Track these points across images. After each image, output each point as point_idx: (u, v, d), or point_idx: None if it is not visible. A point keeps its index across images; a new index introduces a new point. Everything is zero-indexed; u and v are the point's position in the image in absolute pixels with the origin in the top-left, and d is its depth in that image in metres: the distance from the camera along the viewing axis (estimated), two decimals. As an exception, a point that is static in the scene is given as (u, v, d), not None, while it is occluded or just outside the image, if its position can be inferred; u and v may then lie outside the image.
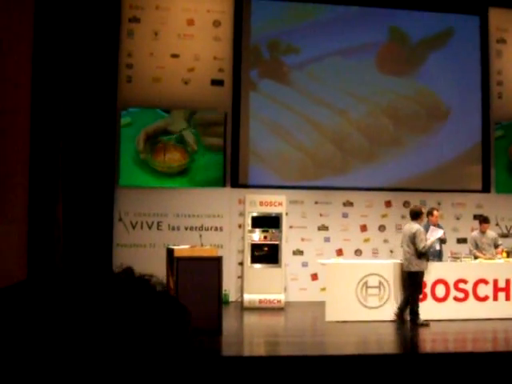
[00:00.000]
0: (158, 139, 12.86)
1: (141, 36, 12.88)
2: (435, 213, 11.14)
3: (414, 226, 10.38)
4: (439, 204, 13.52)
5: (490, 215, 12.24)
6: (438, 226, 11.08)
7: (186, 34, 13.05)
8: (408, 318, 10.35)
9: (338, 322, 10.15)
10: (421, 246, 10.14)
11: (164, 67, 12.93)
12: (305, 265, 13.18)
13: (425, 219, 10.90)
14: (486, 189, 14.05)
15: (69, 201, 11.53)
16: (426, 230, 10.91)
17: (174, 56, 12.97)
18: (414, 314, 10.25)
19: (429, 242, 10.33)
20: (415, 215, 10.58)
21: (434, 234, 10.50)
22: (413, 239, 10.25)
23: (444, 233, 11.13)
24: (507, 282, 10.98)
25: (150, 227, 12.72)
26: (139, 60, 12.85)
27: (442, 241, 11.24)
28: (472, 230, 12.68)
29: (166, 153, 12.89)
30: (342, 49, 13.55)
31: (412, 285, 10.34)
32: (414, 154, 13.71)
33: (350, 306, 10.48)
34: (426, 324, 10.07)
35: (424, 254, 10.29)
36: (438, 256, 11.15)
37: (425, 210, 10.95)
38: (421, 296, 10.42)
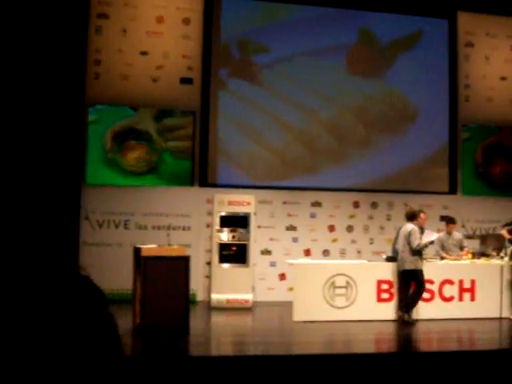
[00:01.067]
0: (125, 138, 12.73)
1: (109, 32, 12.74)
2: (422, 215, 11.28)
3: (410, 226, 10.60)
4: (406, 205, 13.60)
5: (456, 217, 12.35)
6: (422, 229, 11.21)
7: (155, 32, 12.94)
8: (399, 313, 10.54)
9: (305, 321, 10.16)
10: (415, 243, 10.33)
11: (132, 64, 12.81)
12: (273, 265, 13.17)
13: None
14: (452, 190, 14.20)
15: (34, 199, 11.36)
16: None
17: (143, 53, 12.87)
18: (407, 309, 10.43)
19: (423, 242, 10.50)
20: (411, 217, 10.79)
21: (429, 236, 10.67)
22: (408, 238, 10.45)
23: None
24: (472, 282, 11.10)
25: (117, 226, 12.59)
26: (107, 56, 12.72)
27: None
28: (439, 231, 12.78)
29: (133, 152, 12.77)
30: (312, 49, 13.56)
31: (407, 283, 10.51)
32: (382, 155, 13.79)
33: (317, 305, 10.50)
34: (412, 322, 10.27)
35: (418, 252, 10.47)
36: None
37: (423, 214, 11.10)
38: (422, 294, 10.56)
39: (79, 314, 0.93)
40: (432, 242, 11.26)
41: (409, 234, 10.46)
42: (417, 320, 10.39)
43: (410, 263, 10.43)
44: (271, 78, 13.52)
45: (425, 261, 11.07)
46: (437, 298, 10.95)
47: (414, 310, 10.61)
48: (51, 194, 11.70)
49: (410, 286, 10.52)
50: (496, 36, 14.54)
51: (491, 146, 14.53)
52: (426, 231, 10.77)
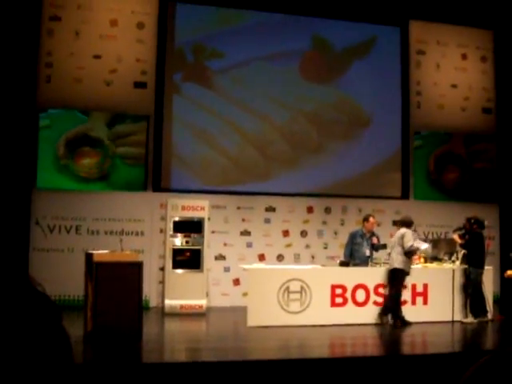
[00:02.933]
0: (78, 145, 12.52)
1: (61, 35, 12.55)
2: (371, 219, 11.46)
3: (403, 230, 10.90)
4: (359, 210, 13.74)
5: (408, 221, 12.49)
6: (373, 234, 11.35)
7: (108, 35, 12.80)
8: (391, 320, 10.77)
9: (259, 326, 10.14)
10: (408, 244, 10.63)
11: (85, 68, 12.63)
12: (227, 270, 13.12)
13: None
14: (404, 195, 14.38)
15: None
16: (361, 236, 11.25)
17: (96, 57, 12.70)
18: (397, 314, 10.66)
19: (415, 245, 10.76)
20: (407, 224, 11.09)
21: (420, 245, 10.91)
22: (401, 240, 10.71)
23: (378, 239, 11.48)
24: (425, 286, 11.24)
25: (68, 231, 12.38)
26: (59, 59, 12.52)
27: (374, 247, 11.48)
28: (391, 235, 12.92)
29: (86, 158, 12.58)
30: (267, 55, 13.60)
31: (395, 281, 10.68)
32: (335, 160, 13.89)
33: (271, 310, 10.49)
34: (409, 323, 10.58)
35: (409, 254, 10.76)
36: (366, 261, 11.34)
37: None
38: (400, 297, 10.78)
39: (32, 328, 0.92)
40: (375, 247, 11.48)
41: (402, 236, 10.73)
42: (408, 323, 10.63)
43: (401, 263, 10.67)
44: (225, 83, 13.51)
45: (378, 264, 11.24)
46: (390, 302, 11.05)
47: (369, 314, 10.70)
48: (0, 198, 11.45)
49: (396, 286, 10.72)
50: (447, 44, 14.81)
51: (443, 154, 14.76)
52: (417, 240, 11.03)
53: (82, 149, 12.56)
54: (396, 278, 10.73)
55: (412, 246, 10.65)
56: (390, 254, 11.04)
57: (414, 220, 11.34)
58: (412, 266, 11.25)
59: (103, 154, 12.65)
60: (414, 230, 12.62)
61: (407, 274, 10.79)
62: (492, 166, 14.95)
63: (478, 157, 14.91)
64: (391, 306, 10.72)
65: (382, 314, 10.73)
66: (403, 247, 10.67)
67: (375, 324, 10.67)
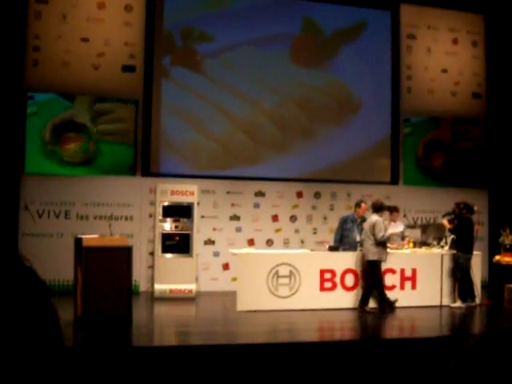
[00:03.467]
0: (64, 130, 12.40)
1: (49, 18, 12.40)
2: (363, 205, 11.45)
3: (375, 217, 10.73)
4: (349, 195, 13.76)
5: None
6: (364, 219, 11.30)
7: (96, 18, 12.66)
8: (374, 305, 10.75)
9: (249, 311, 10.16)
10: (379, 235, 10.47)
11: (73, 51, 12.50)
12: (216, 254, 13.11)
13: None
14: (394, 181, 14.38)
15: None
16: (352, 222, 11.23)
17: (84, 40, 12.57)
18: (365, 301, 10.64)
19: (387, 233, 10.67)
20: (377, 208, 10.91)
21: (395, 228, 10.82)
22: (372, 230, 10.55)
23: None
24: (413, 271, 11.28)
25: (57, 216, 12.31)
26: (47, 43, 12.38)
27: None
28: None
29: (71, 143, 12.46)
30: (256, 38, 13.52)
31: (371, 274, 10.66)
32: (325, 145, 13.86)
33: (261, 295, 10.51)
34: (394, 301, 10.64)
35: (383, 244, 10.62)
36: (355, 246, 11.31)
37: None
38: (383, 283, 10.79)
39: (20, 305, 0.90)
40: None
41: (373, 226, 10.59)
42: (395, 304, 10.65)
43: (373, 254, 10.57)
44: (215, 67, 13.42)
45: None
46: (379, 287, 11.09)
47: (358, 299, 10.74)
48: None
49: (374, 277, 10.68)
50: (438, 29, 14.77)
51: (432, 139, 14.74)
52: (392, 223, 10.98)
53: (67, 134, 12.44)
54: (372, 270, 10.67)
55: (383, 236, 10.54)
56: (362, 241, 10.96)
57: (398, 205, 11.27)
58: (390, 251, 11.26)
59: (89, 139, 12.54)
60: (404, 216, 12.68)
61: (383, 261, 10.75)
62: (481, 151, 14.96)
63: (467, 142, 14.91)
64: (369, 296, 10.70)
65: (361, 306, 10.67)
66: (375, 237, 10.56)
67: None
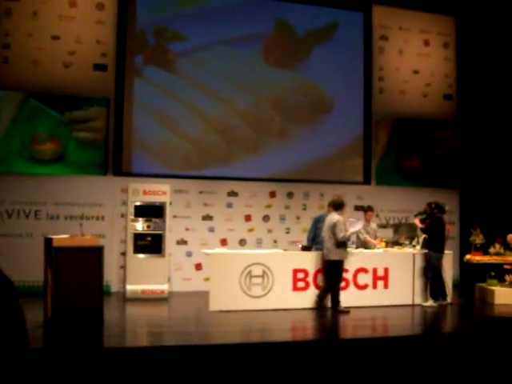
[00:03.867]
0: (34, 129, 12.24)
1: (19, 15, 12.25)
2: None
3: (335, 217, 10.63)
4: (321, 195, 13.78)
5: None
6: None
7: (67, 16, 12.53)
8: (329, 305, 10.67)
9: (221, 311, 10.13)
10: (340, 235, 10.41)
11: (44, 49, 12.37)
12: (189, 254, 13.06)
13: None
14: (366, 181, 14.45)
15: None
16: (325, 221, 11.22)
17: (55, 38, 12.44)
18: (335, 301, 10.57)
19: (348, 233, 10.61)
20: (337, 206, 10.81)
21: (354, 225, 10.74)
22: (333, 229, 10.46)
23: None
24: (385, 270, 11.34)
25: (27, 216, 12.16)
26: (17, 40, 12.23)
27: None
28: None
29: (42, 143, 12.30)
30: (229, 38, 13.49)
31: (332, 273, 10.58)
32: (298, 145, 13.87)
33: (233, 295, 10.48)
34: (347, 311, 10.38)
35: (343, 244, 10.57)
36: None
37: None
38: (341, 284, 10.73)
39: None
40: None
41: (334, 226, 10.52)
42: (349, 309, 10.51)
43: (335, 254, 10.54)
44: (188, 66, 13.36)
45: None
46: (351, 287, 11.13)
47: (330, 298, 10.76)
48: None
49: (333, 277, 10.65)
50: (409, 30, 14.87)
51: (404, 140, 14.80)
52: (351, 220, 10.90)
53: (38, 134, 12.28)
54: (334, 270, 10.61)
55: (344, 236, 10.46)
56: (323, 240, 10.91)
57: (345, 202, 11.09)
58: (363, 250, 11.34)
59: (60, 138, 12.39)
60: (377, 216, 12.73)
61: (344, 261, 10.68)
62: (452, 151, 15.09)
63: (439, 143, 15.03)
64: (326, 294, 10.69)
65: (318, 304, 10.68)
66: (336, 237, 10.48)
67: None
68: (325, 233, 10.73)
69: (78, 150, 12.49)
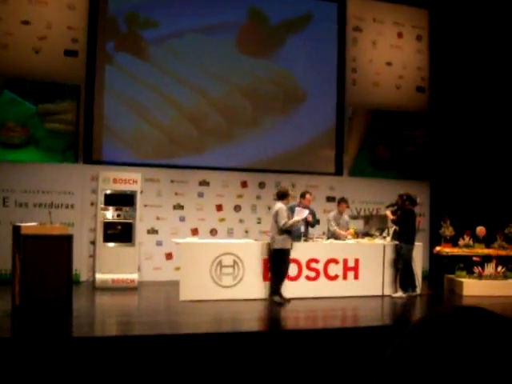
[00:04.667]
0: (4, 118, 12.07)
1: (-12, -1, 12.03)
2: (308, 196, 11.38)
3: (277, 205, 10.57)
4: (293, 186, 13.77)
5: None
6: (308, 209, 11.31)
7: (37, 1, 12.32)
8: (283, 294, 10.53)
9: (192, 301, 10.09)
10: (281, 222, 10.31)
11: (13, 34, 12.15)
12: (159, 244, 12.99)
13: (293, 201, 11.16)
14: (338, 172, 14.48)
15: None
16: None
17: (25, 23, 12.23)
18: (274, 290, 10.50)
19: (291, 221, 10.46)
20: (281, 196, 10.75)
21: (300, 214, 10.68)
22: (276, 217, 10.39)
23: (313, 216, 11.42)
24: (356, 261, 11.38)
25: (-5, 203, 11.99)
26: (-14, 25, 12.01)
27: (309, 224, 11.45)
28: (324, 211, 13.10)
29: (10, 130, 12.11)
30: (203, 26, 13.39)
31: (275, 262, 10.52)
32: (270, 135, 13.85)
33: (204, 285, 10.45)
34: (283, 302, 10.30)
35: (287, 232, 10.44)
36: (299, 237, 11.28)
37: (292, 192, 11.13)
38: (286, 274, 10.62)
39: None
40: (310, 223, 11.41)
41: (276, 214, 10.48)
42: (289, 299, 10.41)
43: (278, 243, 10.46)
44: (160, 53, 13.25)
45: (311, 240, 11.26)
46: (322, 277, 11.15)
47: (301, 289, 10.76)
48: None
49: (278, 266, 10.57)
50: (383, 22, 14.89)
51: (376, 131, 14.85)
52: (297, 209, 10.83)
53: (7, 122, 12.10)
54: (278, 259, 10.52)
55: (285, 224, 10.33)
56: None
57: (289, 191, 10.98)
58: (334, 241, 11.36)
59: (29, 125, 12.21)
60: (347, 207, 12.74)
61: (289, 250, 10.57)
62: (424, 144, 15.17)
63: (411, 136, 15.10)
64: (274, 283, 10.58)
65: (271, 295, 10.58)
66: (278, 225, 10.41)
67: (307, 298, 10.73)
68: (271, 222, 10.71)
69: (48, 137, 12.32)
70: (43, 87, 12.30)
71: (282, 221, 10.32)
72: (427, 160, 15.12)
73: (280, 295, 10.46)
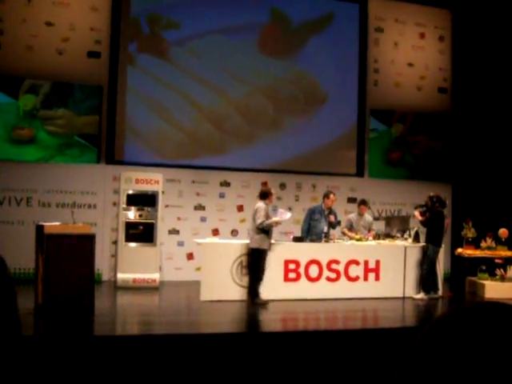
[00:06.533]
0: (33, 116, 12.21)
1: (13, 1, 12.16)
2: (331, 196, 11.37)
3: (257, 204, 10.50)
4: (314, 187, 13.77)
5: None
6: (331, 211, 11.30)
7: (61, 2, 12.45)
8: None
9: (212, 301, 10.12)
10: (258, 221, 10.24)
11: (37, 35, 12.29)
12: (180, 244, 13.04)
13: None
14: (359, 173, 14.44)
15: None
16: (320, 213, 11.16)
17: (49, 24, 12.36)
18: (253, 292, 10.38)
19: (268, 221, 10.31)
20: (263, 195, 10.65)
21: (282, 216, 10.62)
22: (254, 216, 10.39)
23: (335, 217, 11.41)
24: (377, 263, 11.34)
25: (18, 203, 12.11)
26: (11, 26, 12.15)
27: (331, 225, 11.44)
28: (345, 212, 13.06)
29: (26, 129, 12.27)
30: (224, 27, 13.42)
31: (252, 262, 10.47)
32: (291, 136, 13.85)
33: (225, 285, 10.47)
34: (265, 303, 10.21)
35: (265, 232, 10.34)
36: (320, 237, 11.26)
37: (274, 191, 11.05)
38: (263, 274, 10.47)
39: None
40: (332, 224, 11.38)
41: (255, 212, 10.43)
42: (268, 301, 10.28)
43: (254, 242, 10.37)
44: (181, 55, 13.30)
45: (331, 241, 11.23)
46: (342, 278, 11.12)
47: (322, 290, 10.75)
48: None
49: (254, 266, 10.48)
50: (405, 23, 14.83)
51: (396, 136, 14.80)
52: (280, 210, 10.77)
53: (36, 119, 12.25)
54: (254, 258, 10.41)
55: (262, 223, 10.20)
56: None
57: (272, 191, 10.82)
58: (354, 242, 11.32)
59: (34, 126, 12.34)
60: (369, 208, 12.70)
61: (266, 250, 10.44)
62: (446, 146, 15.08)
63: (433, 137, 15.01)
64: (252, 284, 10.44)
65: (252, 298, 10.42)
66: (255, 224, 10.33)
67: (328, 299, 10.71)
68: (250, 221, 10.67)
69: (74, 138, 12.44)
70: (67, 88, 12.41)
71: (259, 220, 10.23)
72: (449, 161, 15.02)
73: (258, 296, 10.34)
